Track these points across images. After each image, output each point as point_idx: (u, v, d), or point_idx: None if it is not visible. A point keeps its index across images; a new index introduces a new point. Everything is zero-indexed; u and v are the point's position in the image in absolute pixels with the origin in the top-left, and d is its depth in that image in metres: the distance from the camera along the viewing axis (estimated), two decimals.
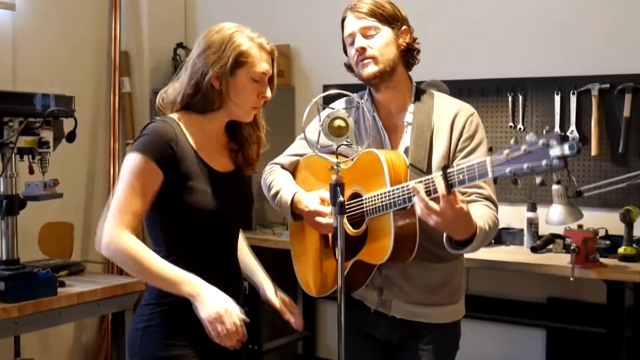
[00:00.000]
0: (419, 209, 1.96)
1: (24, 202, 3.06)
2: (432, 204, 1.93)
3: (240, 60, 2.06)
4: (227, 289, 2.08)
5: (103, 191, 4.81)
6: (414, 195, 1.96)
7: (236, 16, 4.92)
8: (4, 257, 2.97)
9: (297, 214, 2.32)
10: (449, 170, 1.92)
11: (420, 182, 1.99)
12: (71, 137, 3.10)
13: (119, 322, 3.21)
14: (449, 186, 1.91)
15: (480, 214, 2.11)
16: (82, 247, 4.64)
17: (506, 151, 1.79)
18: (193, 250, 2.07)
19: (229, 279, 2.14)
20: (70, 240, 3.70)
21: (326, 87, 4.40)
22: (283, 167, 2.50)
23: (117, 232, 1.95)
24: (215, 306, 1.93)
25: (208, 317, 1.92)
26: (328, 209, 2.19)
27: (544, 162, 1.71)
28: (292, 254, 2.53)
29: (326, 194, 2.24)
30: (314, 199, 2.26)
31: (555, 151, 1.69)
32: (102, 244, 1.97)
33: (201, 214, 2.03)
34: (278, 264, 4.31)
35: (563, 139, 1.68)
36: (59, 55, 4.54)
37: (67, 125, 3.21)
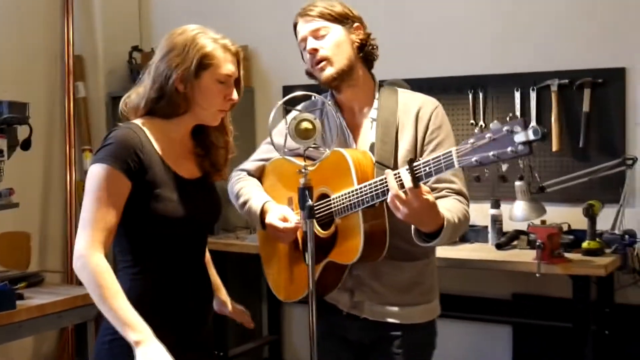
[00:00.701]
0: (388, 198, 1.94)
1: None
2: (401, 192, 1.91)
3: (204, 62, 2.00)
4: (196, 297, 2.05)
5: (60, 199, 4.70)
6: (385, 188, 1.95)
7: (193, 17, 4.85)
8: None
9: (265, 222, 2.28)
10: (415, 164, 1.90)
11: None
12: (26, 144, 3.03)
13: (81, 333, 3.11)
14: (416, 179, 1.89)
15: (449, 207, 2.09)
16: (40, 257, 4.53)
17: (471, 140, 1.78)
18: (160, 259, 2.01)
19: (198, 287, 2.09)
20: (27, 250, 3.61)
21: (286, 88, 4.38)
22: (250, 173, 2.46)
23: (86, 250, 1.87)
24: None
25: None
26: (283, 224, 2.19)
27: (509, 149, 1.71)
28: (261, 259, 2.49)
29: (288, 210, 2.23)
30: (274, 213, 2.24)
31: (519, 137, 1.69)
32: (74, 267, 1.90)
33: (168, 222, 1.98)
34: (242, 268, 4.31)
35: (526, 124, 1.67)
36: (11, 61, 4.42)
37: (22, 132, 3.13)
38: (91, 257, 1.86)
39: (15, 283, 3.04)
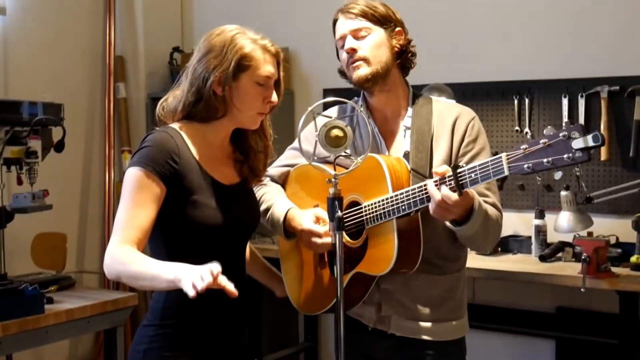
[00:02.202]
0: (436, 196, 1.85)
1: (11, 215, 2.94)
2: (451, 194, 1.84)
3: (243, 64, 1.94)
4: (234, 305, 1.97)
5: (98, 200, 4.69)
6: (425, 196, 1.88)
7: (234, 19, 4.81)
8: None
9: (289, 231, 2.20)
10: (459, 170, 1.81)
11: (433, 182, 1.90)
12: (60, 146, 3.00)
13: (111, 339, 3.08)
14: (460, 186, 1.80)
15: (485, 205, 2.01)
16: (77, 258, 4.53)
17: (523, 146, 1.71)
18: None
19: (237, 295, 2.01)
20: (63, 251, 3.59)
21: (326, 92, 4.32)
22: (273, 179, 2.38)
23: (113, 249, 1.82)
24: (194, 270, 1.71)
25: (186, 279, 1.69)
26: (324, 228, 2.09)
27: (566, 156, 1.63)
28: (282, 269, 2.39)
29: (322, 212, 2.13)
30: (308, 217, 2.14)
31: (578, 143, 1.61)
32: (104, 265, 1.85)
33: (205, 229, 1.92)
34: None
35: (585, 130, 1.58)
36: (51, 61, 4.43)
37: (57, 134, 3.11)
38: (116, 250, 1.81)
39: (46, 286, 3.02)
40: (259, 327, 4.18)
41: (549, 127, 1.72)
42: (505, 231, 3.80)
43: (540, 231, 3.63)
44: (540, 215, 3.65)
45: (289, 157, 2.39)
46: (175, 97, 2.02)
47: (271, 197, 2.29)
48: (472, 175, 1.81)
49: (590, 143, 1.60)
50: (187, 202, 1.91)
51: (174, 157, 1.90)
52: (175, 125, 1.99)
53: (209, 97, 1.94)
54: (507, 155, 1.74)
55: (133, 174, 1.88)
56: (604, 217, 3.57)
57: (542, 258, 3.51)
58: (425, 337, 2.16)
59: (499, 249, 3.73)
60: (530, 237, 3.69)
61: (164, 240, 1.94)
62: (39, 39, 4.38)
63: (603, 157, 3.61)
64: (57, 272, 3.43)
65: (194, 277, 1.65)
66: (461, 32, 4.08)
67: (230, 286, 1.69)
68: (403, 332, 2.17)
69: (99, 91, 4.74)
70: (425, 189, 1.91)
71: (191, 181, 1.92)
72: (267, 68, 1.97)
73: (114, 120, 4.74)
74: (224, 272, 1.94)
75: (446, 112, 2.19)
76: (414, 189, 1.96)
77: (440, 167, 1.91)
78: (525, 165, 1.70)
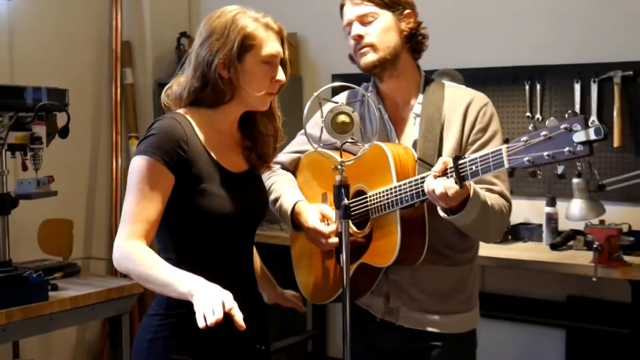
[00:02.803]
0: (438, 189, 1.81)
1: (15, 201, 2.91)
2: (452, 185, 1.80)
3: (246, 44, 1.89)
4: (242, 294, 1.92)
5: (106, 186, 4.67)
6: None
7: (241, 3, 4.79)
8: None
9: (297, 224, 2.16)
10: (460, 161, 1.77)
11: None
12: (64, 132, 2.96)
13: (117, 327, 3.05)
14: (461, 178, 1.75)
15: (485, 193, 1.95)
16: (85, 244, 4.52)
17: (524, 138, 1.66)
18: (205, 256, 1.91)
19: (244, 286, 1.99)
20: (69, 238, 3.58)
21: (335, 77, 4.27)
22: (284, 166, 2.34)
23: (123, 242, 1.79)
24: (208, 294, 1.70)
25: (198, 303, 1.68)
26: (329, 228, 2.05)
27: (566, 149, 1.57)
28: (292, 257, 2.37)
29: (328, 210, 2.10)
30: (314, 214, 2.10)
31: (579, 136, 1.56)
32: (113, 259, 1.83)
33: (215, 218, 1.88)
34: (286, 260, 4.20)
35: (587, 122, 1.52)
36: (57, 47, 4.39)
37: (62, 119, 3.07)
38: (126, 245, 1.78)
39: (51, 273, 3.00)
40: (266, 314, 4.15)
41: (551, 118, 1.67)
42: (516, 219, 3.77)
43: (552, 219, 3.59)
44: (552, 202, 3.61)
45: (300, 142, 2.35)
46: (179, 84, 1.97)
47: (281, 186, 2.25)
48: (473, 167, 1.77)
49: (592, 136, 1.54)
50: (196, 191, 1.86)
51: (182, 145, 1.85)
52: (183, 111, 1.94)
53: (215, 81, 1.90)
54: (507, 148, 1.70)
55: (140, 164, 1.83)
56: (617, 205, 3.51)
57: (553, 246, 3.47)
58: (433, 330, 2.12)
59: (510, 237, 3.69)
60: (541, 225, 3.65)
61: (171, 229, 1.90)
62: (45, 24, 4.34)
63: (616, 143, 3.55)
64: (64, 258, 3.40)
65: (206, 307, 1.62)
66: (472, 16, 4.02)
67: (239, 318, 1.67)
68: (411, 324, 2.13)
69: (106, 77, 4.71)
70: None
71: (200, 169, 1.87)
72: (271, 46, 1.92)
73: (121, 106, 4.70)
74: (231, 261, 1.91)
75: (458, 98, 2.13)
76: (417, 179, 1.91)
77: (438, 163, 1.86)
78: (526, 159, 1.65)
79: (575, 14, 3.75)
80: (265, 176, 2.32)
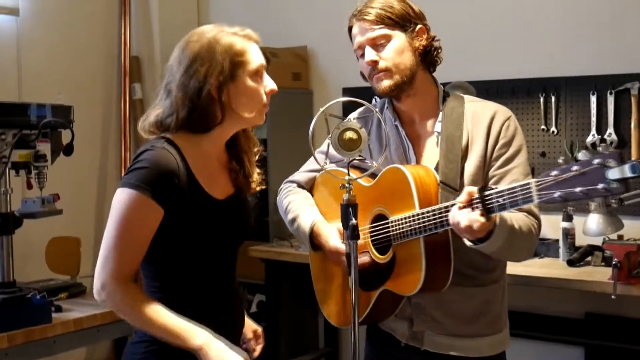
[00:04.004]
0: (463, 222, 1.75)
1: (19, 220, 2.86)
2: (479, 218, 1.74)
3: (237, 61, 1.83)
4: (226, 320, 1.92)
5: None
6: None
7: (251, 18, 4.75)
8: None
9: (316, 245, 2.10)
10: (486, 193, 1.70)
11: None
12: (69, 150, 2.91)
13: (122, 348, 2.97)
14: (488, 211, 1.68)
15: (512, 215, 1.88)
16: (93, 262, 4.41)
17: (554, 172, 1.60)
18: (189, 284, 1.87)
19: (229, 310, 1.94)
20: (77, 256, 3.53)
21: (346, 91, 4.23)
22: (300, 185, 2.27)
23: (111, 284, 1.75)
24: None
25: None
26: None
27: (601, 186, 1.51)
28: (312, 277, 2.30)
29: None
30: (334, 234, 2.03)
31: (613, 173, 1.49)
32: (95, 291, 1.78)
33: (197, 249, 1.83)
34: (297, 277, 4.14)
35: (623, 158, 1.47)
36: (66, 62, 4.37)
37: (68, 136, 3.02)
38: (117, 291, 1.75)
39: (55, 293, 2.94)
40: (277, 331, 4.09)
41: (583, 151, 1.62)
42: (538, 235, 3.68)
43: (568, 234, 3.51)
44: (568, 217, 3.52)
45: (315, 161, 2.28)
46: (157, 115, 1.87)
47: (297, 206, 2.19)
48: (500, 200, 1.71)
49: (628, 174, 1.49)
50: (181, 222, 1.81)
51: (174, 179, 1.78)
52: (170, 137, 1.84)
53: (206, 107, 1.81)
54: (536, 182, 1.64)
55: (129, 198, 1.75)
56: (636, 220, 3.44)
57: (571, 262, 3.39)
58: (460, 354, 2.04)
59: (524, 255, 3.60)
60: (557, 241, 3.57)
61: (155, 260, 1.85)
62: (53, 39, 4.32)
63: (634, 156, 3.47)
64: (72, 276, 3.36)
65: None
66: (484, 27, 3.96)
67: None
68: (437, 349, 2.05)
69: (115, 92, 4.68)
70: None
71: (188, 200, 1.81)
72: (258, 57, 1.88)
73: (130, 121, 4.66)
74: (214, 287, 1.90)
75: (480, 113, 2.05)
76: (441, 208, 1.85)
77: (463, 194, 1.79)
78: (557, 194, 1.59)
79: (590, 24, 3.68)
80: (281, 195, 2.26)
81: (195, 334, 1.74)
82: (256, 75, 1.87)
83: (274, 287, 4.12)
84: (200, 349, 1.73)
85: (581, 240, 3.48)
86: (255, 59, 1.86)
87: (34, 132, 2.83)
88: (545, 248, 3.62)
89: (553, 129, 3.70)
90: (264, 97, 1.89)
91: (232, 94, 1.83)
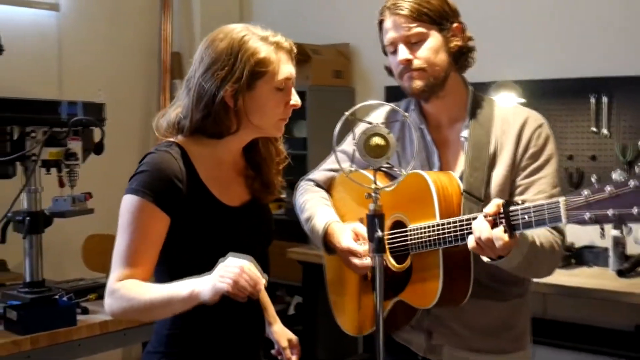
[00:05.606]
0: (484, 234, 1.64)
1: (49, 219, 2.81)
2: (503, 235, 1.62)
3: (258, 71, 1.70)
4: (245, 330, 1.83)
5: None
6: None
7: (292, 13, 4.66)
8: (27, 279, 2.73)
9: (330, 246, 1.99)
10: (512, 208, 1.58)
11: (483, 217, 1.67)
12: (99, 148, 2.85)
13: None
14: (512, 228, 1.56)
15: (533, 230, 1.72)
16: None
17: (586, 192, 1.48)
18: None
19: (247, 320, 1.84)
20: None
21: (388, 89, 4.12)
22: (318, 184, 2.17)
23: (112, 287, 1.67)
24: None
25: (212, 287, 1.58)
26: (363, 247, 1.87)
27: (635, 210, 1.40)
28: (327, 284, 2.20)
29: (361, 228, 1.91)
30: (347, 234, 1.92)
31: None
32: (105, 306, 1.71)
33: (211, 254, 1.71)
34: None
35: None
36: (106, 58, 4.36)
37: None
38: (114, 286, 1.66)
39: (84, 294, 2.88)
40: (314, 335, 4.00)
41: (617, 171, 1.48)
42: (580, 241, 3.55)
43: (619, 243, 3.38)
44: (619, 225, 3.36)
45: (335, 160, 2.18)
46: (177, 114, 1.78)
47: (313, 205, 2.09)
48: (526, 217, 1.60)
49: None
50: (192, 230, 1.72)
51: (176, 183, 1.69)
52: (180, 141, 1.76)
53: (220, 112, 1.71)
54: (565, 202, 1.53)
55: (132, 204, 1.67)
56: None
57: (621, 273, 3.27)
58: None
59: (573, 261, 3.47)
60: (607, 249, 3.44)
61: (169, 269, 1.75)
62: (94, 35, 4.32)
63: None
64: (108, 275, 3.30)
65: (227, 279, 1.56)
66: (531, 24, 3.84)
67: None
68: None
69: (155, 89, 4.65)
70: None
71: (196, 206, 1.72)
72: (286, 69, 1.74)
73: None
74: (232, 301, 1.77)
75: (511, 119, 1.92)
76: (462, 220, 1.73)
77: (491, 205, 1.67)
78: (587, 216, 1.48)
79: None
80: (297, 193, 2.17)
81: (182, 284, 1.61)
82: (279, 88, 1.74)
83: (311, 290, 4.05)
84: (190, 291, 1.60)
85: (632, 249, 3.36)
86: (281, 70, 1.73)
87: (64, 130, 2.78)
88: (594, 256, 3.50)
89: (604, 131, 3.55)
90: (283, 111, 1.77)
91: (247, 103, 1.72)
